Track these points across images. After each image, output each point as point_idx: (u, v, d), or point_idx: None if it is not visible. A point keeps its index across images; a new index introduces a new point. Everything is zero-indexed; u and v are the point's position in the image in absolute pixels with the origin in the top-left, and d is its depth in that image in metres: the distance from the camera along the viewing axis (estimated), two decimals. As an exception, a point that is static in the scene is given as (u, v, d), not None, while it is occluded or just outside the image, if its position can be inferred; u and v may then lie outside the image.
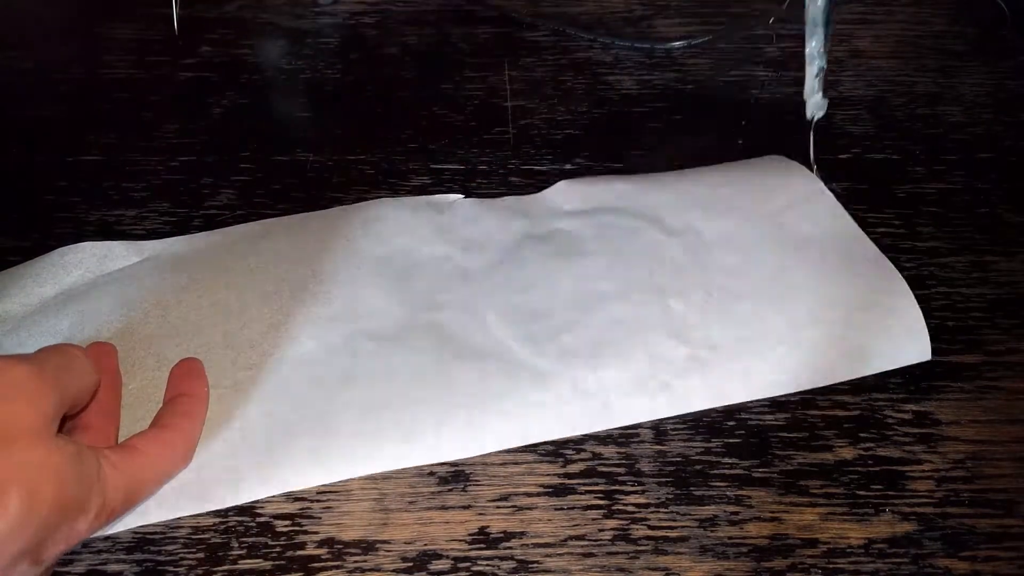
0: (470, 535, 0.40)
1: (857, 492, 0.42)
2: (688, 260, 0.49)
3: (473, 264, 0.49)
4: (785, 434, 0.44)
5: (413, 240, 0.51)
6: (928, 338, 0.46)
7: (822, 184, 0.53)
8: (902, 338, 0.46)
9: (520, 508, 0.41)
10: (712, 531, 0.41)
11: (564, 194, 0.53)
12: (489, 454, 0.43)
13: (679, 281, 0.48)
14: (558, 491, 0.42)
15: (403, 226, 0.51)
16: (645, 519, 0.41)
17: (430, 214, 0.52)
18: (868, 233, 0.52)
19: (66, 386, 0.36)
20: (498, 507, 0.41)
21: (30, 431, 0.32)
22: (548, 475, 0.42)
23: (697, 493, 0.42)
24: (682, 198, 0.52)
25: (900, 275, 0.48)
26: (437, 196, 0.54)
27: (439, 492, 0.42)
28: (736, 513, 0.41)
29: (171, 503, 0.40)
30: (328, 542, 0.40)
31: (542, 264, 0.49)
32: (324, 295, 0.47)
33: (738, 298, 0.47)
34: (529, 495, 0.42)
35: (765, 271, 0.48)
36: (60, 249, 0.50)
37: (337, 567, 0.39)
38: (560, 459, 0.43)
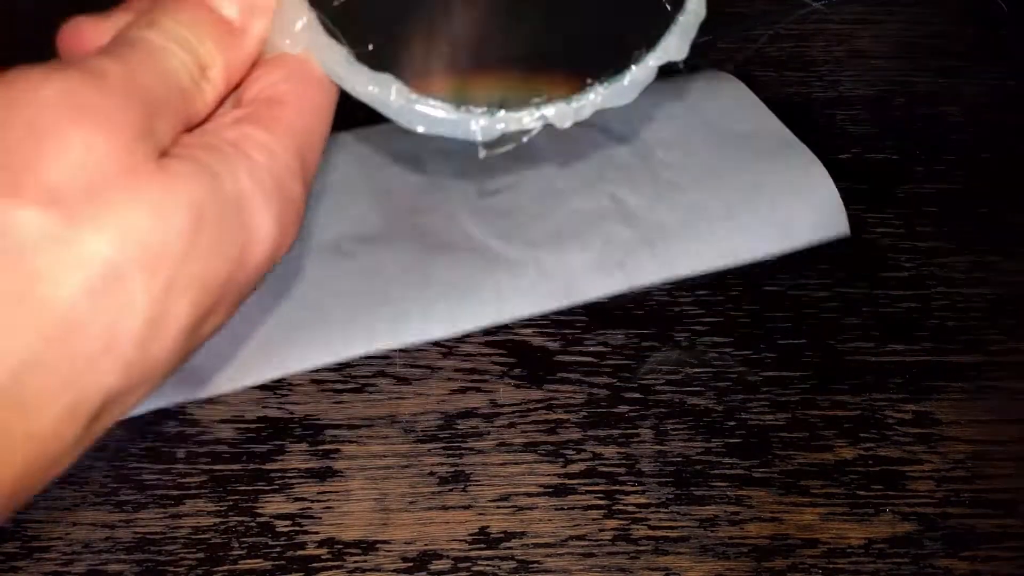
0: (470, 535, 0.40)
1: (857, 492, 0.42)
2: (636, 161, 0.55)
3: (444, 170, 0.54)
4: (785, 434, 0.44)
5: (388, 157, 0.54)
6: (845, 215, 0.51)
7: (749, 91, 0.58)
8: (822, 216, 0.52)
9: (520, 508, 0.41)
10: (712, 531, 0.41)
11: None
12: (489, 454, 0.43)
13: (628, 178, 0.53)
14: (558, 491, 0.42)
15: (381, 144, 0.55)
16: (645, 519, 0.41)
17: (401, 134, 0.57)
18: (868, 233, 0.52)
19: (152, 83, 0.23)
20: (498, 507, 0.41)
21: (112, 171, 0.21)
22: (548, 475, 0.42)
23: (697, 493, 0.42)
24: (628, 110, 0.56)
25: (819, 162, 0.53)
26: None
27: (439, 492, 0.42)
28: (736, 513, 0.41)
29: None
30: (328, 542, 0.40)
31: (505, 168, 0.54)
32: (311, 208, 0.50)
33: (681, 190, 0.52)
34: (529, 495, 0.42)
35: (703, 165, 0.54)
36: None
37: (337, 567, 0.39)
38: (560, 459, 0.43)
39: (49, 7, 0.68)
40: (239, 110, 0.25)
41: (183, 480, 0.42)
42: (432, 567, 0.39)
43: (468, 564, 0.39)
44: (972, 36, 0.65)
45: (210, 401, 0.44)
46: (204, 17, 0.25)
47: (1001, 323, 0.49)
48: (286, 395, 0.45)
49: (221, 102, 0.26)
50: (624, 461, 0.43)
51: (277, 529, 0.40)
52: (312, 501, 0.41)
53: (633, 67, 0.26)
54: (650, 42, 0.27)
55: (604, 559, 0.40)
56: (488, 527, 0.41)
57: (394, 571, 0.39)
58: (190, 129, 0.24)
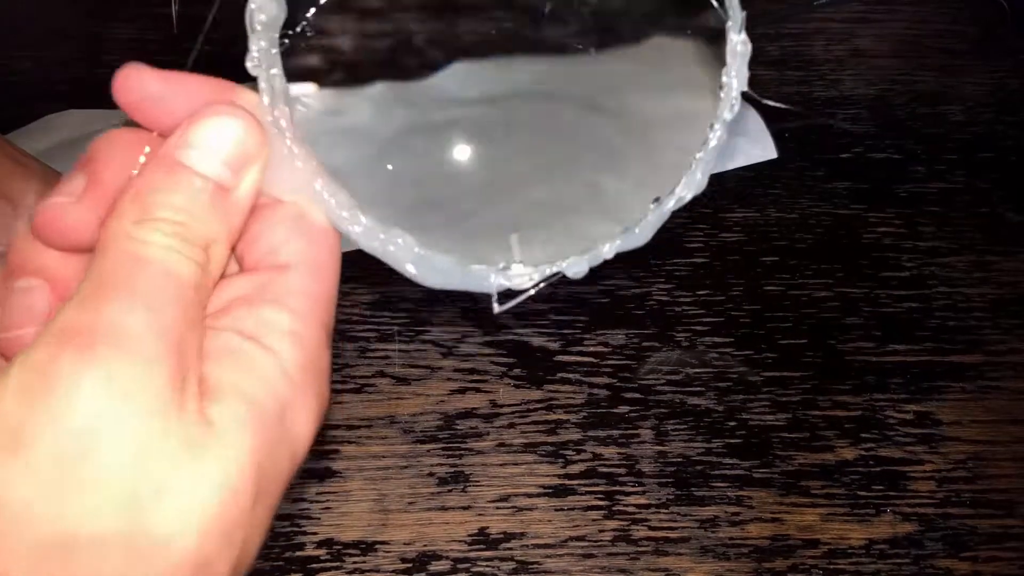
0: (470, 536, 0.40)
1: (858, 493, 0.42)
2: (624, 140, 0.51)
3: (340, 159, 0.48)
4: (786, 434, 0.44)
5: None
6: (772, 140, 0.54)
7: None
8: (754, 141, 0.55)
9: (520, 509, 0.41)
10: (713, 532, 0.41)
11: (459, 80, 0.52)
12: (489, 454, 0.43)
13: (613, 161, 0.50)
14: (558, 492, 0.42)
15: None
16: (646, 520, 0.41)
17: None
18: (869, 232, 0.52)
19: (172, 314, 0.21)
20: (498, 508, 0.41)
21: (169, 452, 0.20)
22: (548, 476, 0.42)
23: (698, 494, 0.42)
24: (613, 79, 0.54)
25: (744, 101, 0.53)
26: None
27: (439, 493, 0.42)
28: (737, 514, 0.41)
29: None
30: (327, 543, 0.40)
31: (436, 155, 0.48)
32: None
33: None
34: (529, 496, 0.42)
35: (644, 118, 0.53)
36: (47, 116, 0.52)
37: (336, 568, 0.39)
38: (560, 460, 0.43)
39: (49, 7, 0.68)
40: (247, 278, 0.23)
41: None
42: (431, 568, 0.39)
43: (467, 565, 0.39)
44: (973, 35, 0.65)
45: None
46: (191, 189, 0.22)
47: (1002, 323, 0.49)
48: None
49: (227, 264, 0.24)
50: (624, 462, 0.43)
51: (276, 529, 0.40)
52: (311, 502, 0.41)
53: (649, 215, 0.26)
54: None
55: (604, 560, 0.40)
56: (488, 528, 0.40)
57: (393, 572, 0.39)
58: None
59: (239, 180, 0.23)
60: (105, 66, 0.64)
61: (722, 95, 0.24)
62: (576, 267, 0.25)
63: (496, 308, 0.24)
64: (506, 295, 0.24)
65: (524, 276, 0.24)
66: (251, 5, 0.23)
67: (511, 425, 0.44)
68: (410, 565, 0.39)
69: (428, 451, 0.43)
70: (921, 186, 0.56)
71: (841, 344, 0.48)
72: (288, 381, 0.22)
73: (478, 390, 0.45)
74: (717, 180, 0.55)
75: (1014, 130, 0.59)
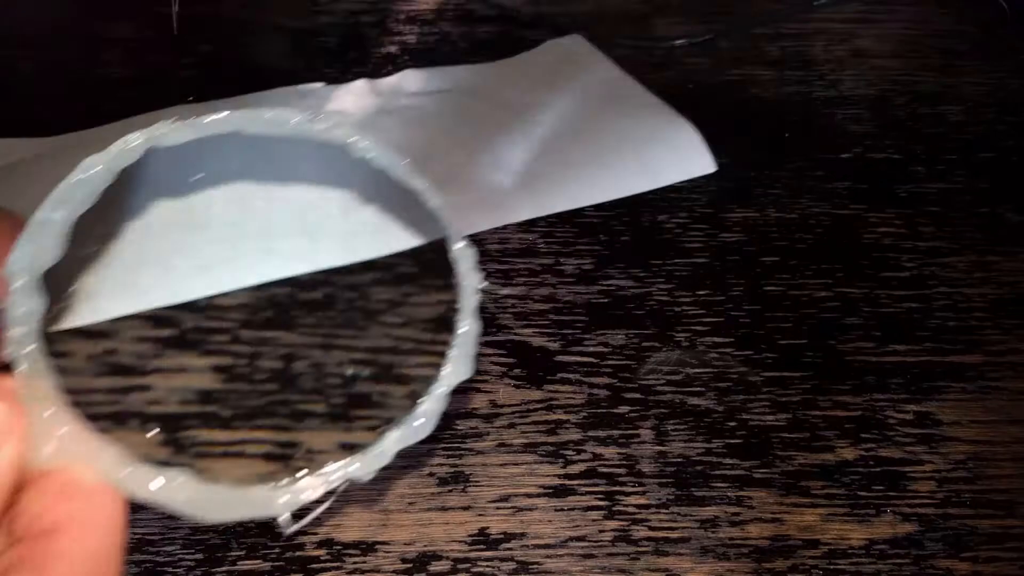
0: (470, 536, 0.40)
1: (858, 493, 0.42)
2: (519, 122, 0.59)
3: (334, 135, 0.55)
4: (786, 434, 0.44)
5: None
6: (710, 155, 0.56)
7: (603, 55, 0.64)
8: (689, 156, 0.56)
9: (520, 509, 0.41)
10: (713, 532, 0.41)
11: (409, 79, 0.64)
12: (489, 454, 0.43)
13: (510, 136, 0.58)
14: (558, 492, 0.42)
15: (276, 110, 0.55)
16: (646, 520, 0.41)
17: (296, 100, 0.61)
18: (869, 232, 0.52)
19: None
20: (498, 508, 0.41)
21: None
22: (548, 476, 0.42)
23: (698, 494, 0.42)
24: (517, 82, 0.64)
25: (681, 116, 0.58)
26: (301, 85, 0.63)
27: (439, 493, 0.42)
28: (737, 514, 0.41)
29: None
30: (327, 543, 0.40)
31: (394, 132, 0.58)
32: None
33: (557, 145, 0.57)
34: (529, 496, 0.42)
35: (573, 124, 0.59)
36: None
37: (336, 568, 0.39)
38: (560, 460, 0.43)
39: (49, 7, 0.68)
40: (9, 554, 0.22)
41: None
42: (431, 568, 0.39)
43: (468, 565, 0.39)
44: (973, 36, 0.65)
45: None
46: None
47: (1002, 323, 0.49)
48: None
49: None
50: (624, 462, 0.43)
51: (276, 530, 0.40)
52: (311, 501, 0.41)
53: (425, 404, 0.25)
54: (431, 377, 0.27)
55: (604, 560, 0.40)
56: (488, 528, 0.40)
57: (393, 572, 0.39)
58: None
59: None
60: (105, 66, 0.64)
61: (461, 293, 0.26)
62: (365, 468, 0.24)
63: (288, 529, 0.24)
64: (296, 514, 0.24)
65: (313, 488, 0.24)
66: (8, 301, 0.24)
67: (511, 425, 0.44)
68: (410, 565, 0.39)
69: (428, 451, 0.43)
70: (921, 186, 0.56)
71: (841, 344, 0.48)
72: None
73: (478, 390, 0.45)
74: (716, 180, 0.55)
75: (1014, 130, 0.59)
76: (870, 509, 0.41)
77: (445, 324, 0.27)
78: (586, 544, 0.40)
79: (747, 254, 0.52)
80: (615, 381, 0.46)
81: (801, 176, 0.56)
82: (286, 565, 0.39)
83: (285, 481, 0.24)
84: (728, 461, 0.43)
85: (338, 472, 0.24)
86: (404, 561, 0.39)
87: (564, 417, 0.44)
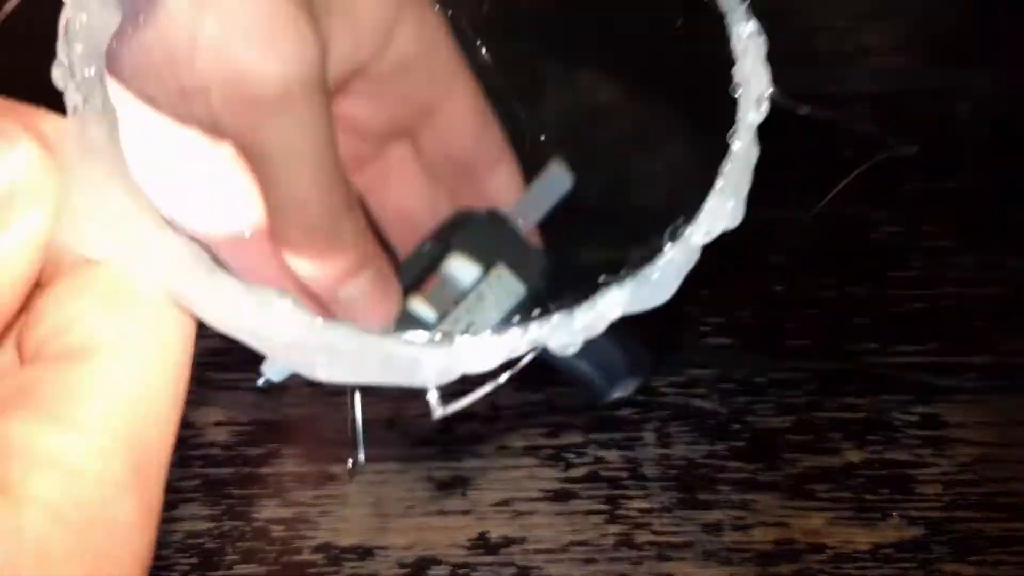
0: (469, 541, 0.40)
1: (864, 496, 0.42)
2: None
3: None
4: (791, 437, 0.44)
5: None
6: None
7: None
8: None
9: (520, 513, 0.41)
10: (717, 537, 0.40)
11: None
12: (488, 458, 0.43)
13: None
14: (559, 496, 0.41)
15: None
16: (648, 524, 0.41)
17: None
18: (875, 232, 0.52)
19: None
20: (498, 512, 0.41)
21: None
22: (549, 479, 0.42)
23: (701, 498, 0.42)
24: None
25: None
26: None
27: (438, 497, 0.41)
28: (741, 518, 0.41)
29: None
30: (324, 547, 0.40)
31: None
32: None
33: None
34: (530, 500, 0.41)
35: None
36: None
37: (334, 573, 0.39)
38: (561, 463, 0.43)
39: (49, 7, 0.68)
40: (15, 381, 0.15)
41: (176, 484, 0.42)
42: (430, 573, 0.39)
43: (467, 570, 0.39)
44: (982, 32, 0.64)
45: (204, 403, 0.44)
46: None
47: (1010, 323, 0.48)
48: (281, 398, 0.44)
49: None
50: (627, 465, 0.43)
51: (272, 534, 0.40)
52: (308, 506, 0.41)
53: (667, 250, 0.17)
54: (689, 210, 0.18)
55: (606, 565, 0.39)
56: (487, 532, 0.40)
57: (392, 577, 0.39)
58: None
59: (6, 222, 0.15)
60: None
61: (739, 95, 0.17)
62: (564, 336, 0.16)
63: (436, 412, 0.17)
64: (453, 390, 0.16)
65: (482, 355, 0.16)
66: (67, 5, 0.17)
67: (511, 428, 0.44)
68: (409, 570, 0.39)
69: (427, 455, 0.43)
70: (928, 185, 0.55)
71: (847, 345, 0.47)
72: (23, 551, 0.14)
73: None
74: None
75: (1022, 128, 0.59)
76: (876, 512, 0.41)
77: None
78: (588, 549, 0.40)
79: (751, 254, 0.51)
80: (617, 382, 0.45)
81: (806, 175, 0.56)
82: (282, 570, 0.39)
83: (441, 335, 0.16)
84: (732, 464, 0.43)
85: (527, 337, 0.16)
86: (402, 566, 0.39)
87: (565, 419, 0.44)
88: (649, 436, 0.44)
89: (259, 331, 0.15)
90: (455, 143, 0.32)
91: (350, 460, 0.22)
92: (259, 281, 0.23)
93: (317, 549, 0.40)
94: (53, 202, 0.15)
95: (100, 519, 0.14)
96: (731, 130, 0.17)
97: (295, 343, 0.15)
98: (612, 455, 0.43)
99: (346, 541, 0.40)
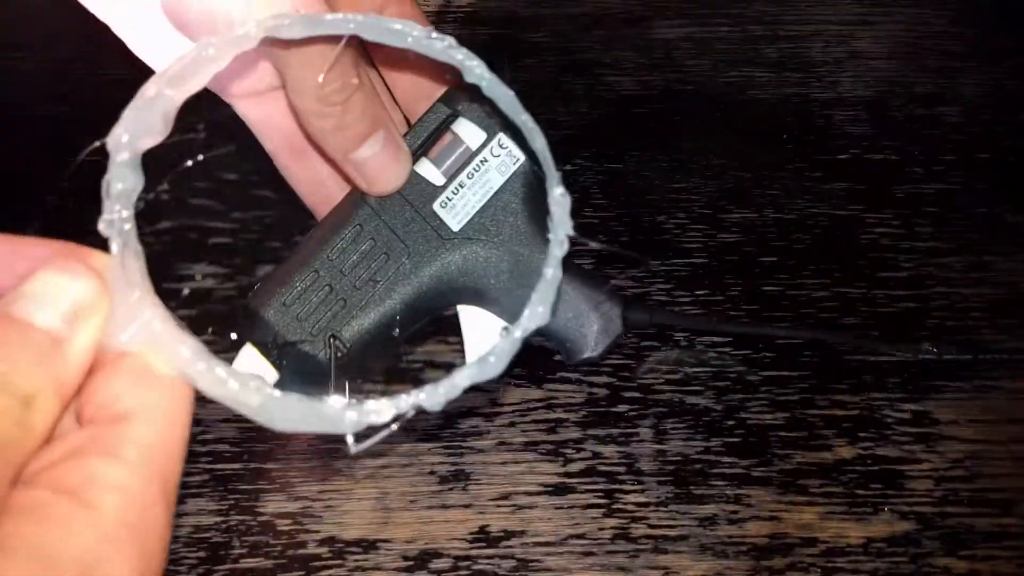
0: (470, 534, 0.40)
1: (856, 491, 0.42)
2: None
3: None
4: (784, 433, 0.44)
5: None
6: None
7: None
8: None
9: (520, 507, 0.41)
10: (712, 530, 0.41)
11: None
12: (489, 453, 0.43)
13: None
14: (558, 490, 0.42)
15: None
16: (645, 518, 0.41)
17: None
18: (867, 233, 0.52)
19: None
20: (498, 506, 0.41)
21: None
22: (548, 474, 0.42)
23: (697, 492, 0.42)
24: None
25: None
26: None
27: (440, 491, 0.42)
28: (735, 512, 0.41)
29: None
30: (329, 541, 0.40)
31: None
32: None
33: None
34: (529, 494, 0.42)
35: None
36: None
37: (338, 566, 0.39)
38: (560, 458, 0.43)
39: (49, 7, 0.68)
40: (81, 432, 0.22)
41: (184, 479, 0.42)
42: (432, 566, 0.39)
43: (468, 563, 0.39)
44: (971, 37, 0.65)
45: (212, 400, 0.44)
46: (18, 339, 0.21)
47: (999, 323, 0.49)
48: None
49: (60, 419, 0.22)
50: (624, 460, 0.43)
51: (278, 528, 0.40)
52: (313, 500, 0.41)
53: (500, 342, 0.25)
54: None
55: (604, 558, 0.40)
56: (488, 526, 0.41)
57: (395, 570, 0.39)
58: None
59: (74, 331, 0.22)
60: (105, 66, 0.64)
61: (551, 238, 0.25)
62: (433, 399, 0.24)
63: (352, 448, 0.24)
64: (362, 434, 0.24)
65: (381, 411, 0.23)
66: (107, 177, 0.23)
67: (511, 424, 0.44)
68: (411, 563, 0.39)
69: (429, 450, 0.43)
70: (919, 187, 0.56)
71: (839, 344, 0.48)
72: (102, 537, 0.20)
73: (479, 389, 0.46)
74: (716, 180, 0.55)
75: (1012, 131, 0.59)
76: (868, 507, 0.42)
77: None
78: (586, 542, 0.40)
79: (745, 254, 0.52)
80: (614, 380, 0.46)
81: (799, 177, 0.56)
82: (288, 563, 0.39)
83: (355, 401, 0.24)
84: (727, 460, 0.43)
85: (408, 400, 0.23)
86: (405, 559, 0.39)
87: (564, 416, 0.45)
88: (645, 432, 0.44)
89: (237, 398, 0.23)
90: None
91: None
92: (280, 137, 0.35)
93: (322, 542, 0.40)
94: (104, 315, 0.22)
95: (146, 521, 0.21)
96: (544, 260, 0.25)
97: (260, 406, 0.23)
98: (609, 450, 0.43)
99: (350, 534, 0.40)
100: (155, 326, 0.23)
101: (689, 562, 0.40)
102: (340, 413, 0.23)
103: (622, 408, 0.45)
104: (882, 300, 0.50)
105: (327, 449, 0.43)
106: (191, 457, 0.42)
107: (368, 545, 0.40)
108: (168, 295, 0.24)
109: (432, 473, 0.42)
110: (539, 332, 0.31)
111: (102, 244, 0.24)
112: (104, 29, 0.49)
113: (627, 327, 0.43)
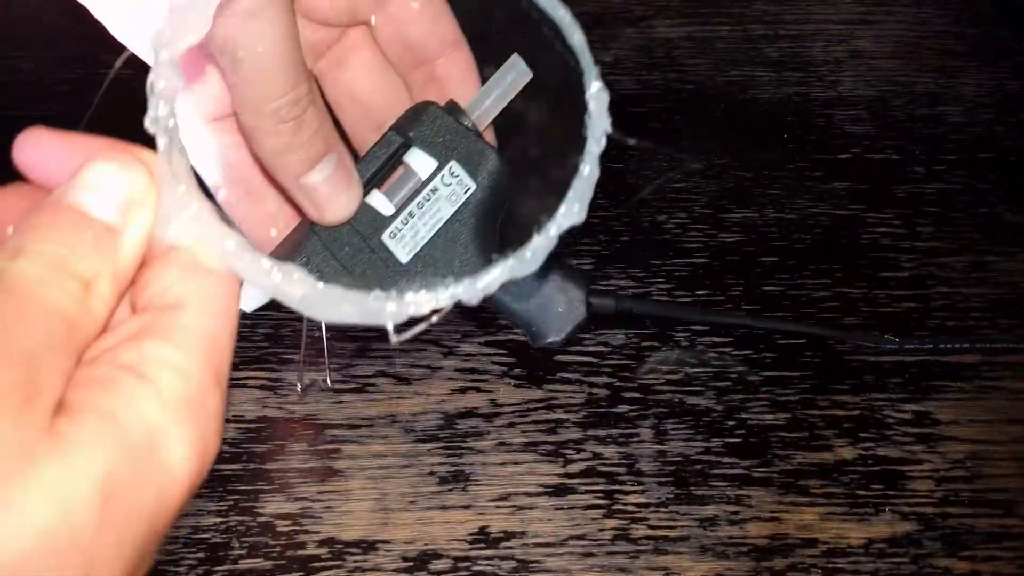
0: (470, 535, 0.40)
1: (857, 492, 0.42)
2: None
3: None
4: (785, 434, 0.44)
5: None
6: None
7: None
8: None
9: (520, 508, 0.41)
10: (712, 531, 0.41)
11: None
12: (489, 454, 0.43)
13: None
14: (558, 491, 0.42)
15: None
16: (645, 519, 0.41)
17: None
18: (868, 233, 0.52)
19: (30, 334, 0.20)
20: (498, 507, 0.41)
21: (3, 455, 0.19)
22: (548, 475, 0.42)
23: (697, 493, 0.42)
24: None
25: None
26: None
27: (439, 492, 0.42)
28: (736, 513, 0.41)
29: None
30: (328, 542, 0.40)
31: None
32: None
33: None
34: (529, 495, 0.42)
35: None
36: None
37: (337, 567, 0.39)
38: (560, 459, 0.43)
39: (49, 7, 0.68)
40: (136, 318, 0.23)
41: (183, 480, 0.42)
42: (432, 567, 0.39)
43: (468, 564, 0.39)
44: (972, 37, 0.65)
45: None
46: (75, 226, 0.22)
47: (1000, 323, 0.49)
48: (286, 395, 0.45)
49: (116, 307, 0.23)
50: (624, 461, 0.43)
51: (277, 529, 0.40)
52: (312, 501, 0.41)
53: (535, 238, 0.25)
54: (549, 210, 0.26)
55: (604, 559, 0.40)
56: (488, 527, 0.41)
57: (394, 571, 0.39)
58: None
59: (127, 221, 0.23)
60: (105, 66, 0.64)
61: (588, 134, 0.25)
62: (471, 292, 0.24)
63: (393, 339, 0.24)
64: (402, 326, 0.24)
65: (421, 303, 0.24)
66: (151, 76, 0.24)
67: (511, 424, 0.44)
68: (411, 564, 0.39)
69: (429, 450, 0.43)
70: (920, 187, 0.56)
71: (840, 344, 0.48)
72: (164, 410, 0.21)
73: (478, 389, 0.46)
74: (716, 180, 0.55)
75: (1013, 131, 0.59)
76: (869, 508, 0.42)
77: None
78: (586, 543, 0.40)
79: (746, 254, 0.52)
80: (615, 380, 0.46)
81: (800, 177, 0.56)
82: (287, 564, 0.39)
83: (394, 293, 0.24)
84: (727, 460, 0.43)
85: (447, 292, 0.24)
86: (405, 560, 0.39)
87: (564, 416, 0.45)
88: (646, 432, 0.44)
89: (281, 288, 0.23)
90: (408, 28, 0.35)
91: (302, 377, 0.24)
92: (229, 166, 0.34)
93: (321, 543, 0.40)
94: (154, 207, 0.23)
95: (200, 401, 0.22)
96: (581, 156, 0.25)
97: (303, 297, 0.23)
98: (609, 451, 0.43)
99: (349, 535, 0.40)
100: (201, 219, 0.23)
101: (689, 563, 0.40)
102: (381, 304, 0.23)
103: (622, 408, 0.45)
104: (883, 300, 0.50)
105: (327, 449, 0.43)
106: (190, 458, 0.42)
107: (368, 546, 0.40)
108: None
109: (432, 474, 0.42)
110: (506, 315, 0.32)
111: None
112: (104, 28, 0.49)
113: (591, 312, 0.43)
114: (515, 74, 0.35)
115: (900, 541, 0.41)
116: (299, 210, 0.35)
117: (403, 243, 0.36)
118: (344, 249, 0.35)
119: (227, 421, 0.44)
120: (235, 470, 0.42)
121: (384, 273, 0.36)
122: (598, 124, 0.25)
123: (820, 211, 0.54)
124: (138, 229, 0.23)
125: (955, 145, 0.58)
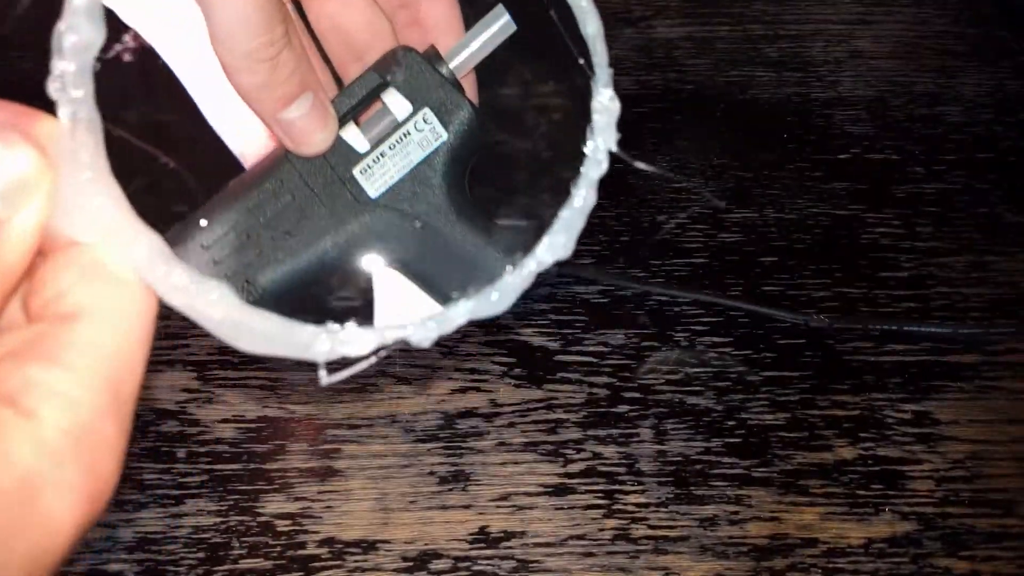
0: (470, 535, 0.40)
1: (857, 492, 0.42)
2: None
3: None
4: (785, 434, 0.44)
5: None
6: None
7: None
8: None
9: (520, 508, 0.41)
10: (712, 531, 0.41)
11: None
12: (489, 453, 0.43)
13: None
14: (558, 491, 0.42)
15: None
16: (645, 519, 0.41)
17: None
18: (867, 233, 0.52)
19: None
20: (498, 507, 0.41)
21: None
22: (548, 475, 0.42)
23: (697, 493, 0.42)
24: None
25: None
26: None
27: (439, 492, 0.42)
28: (736, 513, 0.41)
29: None
30: (328, 541, 0.40)
31: None
32: None
33: None
34: (529, 495, 0.42)
35: None
36: None
37: (337, 567, 0.39)
38: (560, 459, 0.43)
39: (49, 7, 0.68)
40: (27, 329, 0.20)
41: (184, 480, 0.42)
42: (432, 567, 0.39)
43: (468, 563, 0.39)
44: (972, 37, 0.65)
45: (210, 401, 0.44)
46: None
47: (1000, 323, 0.49)
48: (287, 395, 0.45)
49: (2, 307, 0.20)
50: (624, 461, 0.43)
51: (277, 528, 0.40)
52: (312, 500, 0.41)
53: (506, 276, 0.22)
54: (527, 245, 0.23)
55: (604, 558, 0.40)
56: (488, 526, 0.41)
57: (394, 571, 0.39)
58: None
59: (14, 212, 0.19)
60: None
61: (588, 153, 0.21)
62: (422, 333, 0.21)
63: (323, 379, 0.21)
64: (336, 364, 0.21)
65: (360, 341, 0.20)
66: (60, 26, 0.19)
67: (511, 424, 0.44)
68: (411, 564, 0.39)
69: (429, 450, 0.43)
70: (919, 187, 0.56)
71: (839, 344, 0.48)
72: (42, 451, 0.18)
73: (478, 389, 0.46)
74: (716, 180, 0.55)
75: (1012, 131, 0.59)
76: (869, 508, 0.42)
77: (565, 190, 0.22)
78: (586, 542, 0.40)
79: (746, 254, 0.52)
80: (615, 380, 0.46)
81: (800, 177, 0.56)
82: (287, 564, 0.39)
83: (334, 327, 0.20)
84: (727, 460, 0.43)
85: (394, 332, 0.20)
86: (405, 559, 0.39)
87: (564, 416, 0.45)
88: (646, 432, 0.44)
89: (197, 308, 0.20)
90: None
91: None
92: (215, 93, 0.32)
93: (321, 543, 0.40)
94: (49, 194, 0.19)
95: (92, 433, 0.19)
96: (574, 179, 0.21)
97: (223, 320, 0.20)
98: (609, 451, 0.43)
99: (350, 535, 0.40)
100: (108, 215, 0.20)
101: (689, 563, 0.40)
102: (311, 339, 0.20)
103: (622, 408, 0.45)
104: (883, 300, 0.50)
105: (327, 449, 0.43)
106: (191, 457, 0.43)
107: (368, 546, 0.40)
108: (128, 177, 0.20)
109: (432, 474, 0.42)
110: (424, 283, 0.29)
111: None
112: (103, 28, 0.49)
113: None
114: (498, 25, 0.35)
115: (900, 541, 0.41)
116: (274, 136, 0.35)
117: (373, 180, 0.36)
118: (316, 177, 0.36)
119: (226, 421, 0.44)
120: (235, 470, 0.42)
121: (353, 205, 0.36)
122: (602, 139, 0.21)
123: (820, 211, 0.54)
124: (28, 221, 0.19)
125: (955, 145, 0.58)
